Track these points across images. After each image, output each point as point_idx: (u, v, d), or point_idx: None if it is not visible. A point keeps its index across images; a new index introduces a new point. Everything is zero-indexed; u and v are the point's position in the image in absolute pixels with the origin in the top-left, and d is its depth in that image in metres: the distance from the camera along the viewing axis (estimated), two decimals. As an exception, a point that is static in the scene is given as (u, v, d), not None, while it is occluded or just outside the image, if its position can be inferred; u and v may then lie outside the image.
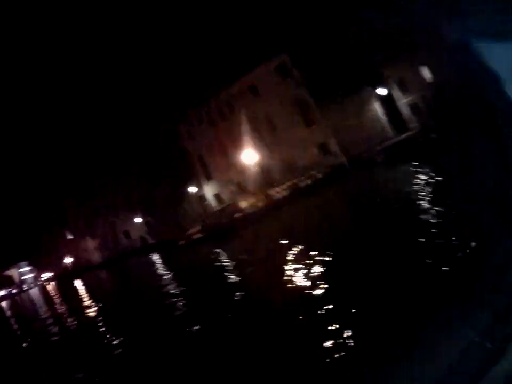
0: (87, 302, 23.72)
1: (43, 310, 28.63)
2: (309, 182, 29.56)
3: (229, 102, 38.76)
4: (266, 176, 36.72)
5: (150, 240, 48.69)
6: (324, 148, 33.32)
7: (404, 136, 27.43)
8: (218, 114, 40.20)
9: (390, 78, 30.49)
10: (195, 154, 43.36)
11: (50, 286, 68.94)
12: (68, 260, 75.87)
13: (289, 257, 11.97)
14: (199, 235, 31.47)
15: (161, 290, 16.46)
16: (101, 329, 13.88)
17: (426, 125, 25.11)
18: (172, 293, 14.62)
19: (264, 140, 35.59)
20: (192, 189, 43.32)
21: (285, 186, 30.97)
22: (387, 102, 30.87)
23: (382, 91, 30.19)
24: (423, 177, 14.69)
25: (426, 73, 28.93)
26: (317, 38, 31.70)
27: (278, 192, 29.36)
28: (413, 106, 29.85)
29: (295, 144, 33.63)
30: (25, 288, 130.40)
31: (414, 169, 17.13)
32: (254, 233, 23.47)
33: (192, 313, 10.56)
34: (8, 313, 43.57)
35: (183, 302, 12.21)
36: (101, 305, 20.08)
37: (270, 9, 33.08)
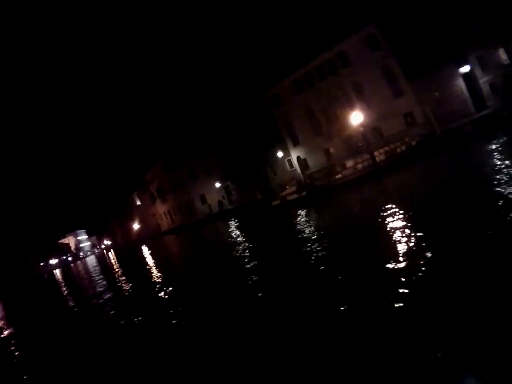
0: (143, 271, 21.93)
1: (93, 279, 27.88)
2: (404, 148, 28.39)
3: (318, 70, 38.63)
4: (353, 143, 36.67)
5: (227, 206, 48.39)
6: (411, 118, 33.65)
7: (486, 111, 27.43)
8: (307, 82, 39.84)
9: (472, 56, 31.54)
10: (282, 120, 42.83)
11: (111, 254, 67.93)
12: (135, 226, 76.52)
13: (387, 226, 10.82)
14: (295, 195, 30.53)
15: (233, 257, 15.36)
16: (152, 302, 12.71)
17: (505, 102, 25.62)
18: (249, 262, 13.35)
19: (352, 108, 34.23)
20: (279, 153, 42.44)
21: (382, 150, 29.53)
22: (469, 79, 31.62)
23: (465, 68, 31.17)
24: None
25: (503, 54, 30.42)
26: (407, 11, 32.86)
27: (374, 156, 27.57)
28: (491, 85, 31.10)
29: (383, 113, 33.96)
30: (81, 256, 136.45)
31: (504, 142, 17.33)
32: (353, 197, 22.55)
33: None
34: (59, 280, 44.39)
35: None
36: (158, 275, 19.01)
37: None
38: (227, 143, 49.56)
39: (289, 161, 43.85)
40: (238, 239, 20.72)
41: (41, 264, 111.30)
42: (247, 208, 40.47)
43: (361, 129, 28.78)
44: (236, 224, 31.02)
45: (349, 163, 32.26)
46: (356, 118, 28.52)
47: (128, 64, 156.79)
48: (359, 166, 29.46)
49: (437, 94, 31.72)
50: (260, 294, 9.02)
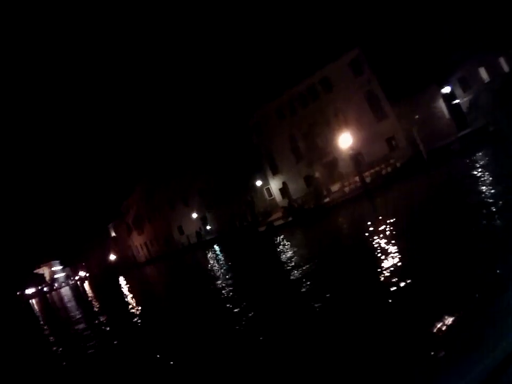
0: (120, 300, 21.86)
1: (70, 308, 28.32)
2: (389, 169, 28.81)
3: (300, 96, 38.57)
4: (333, 170, 36.67)
5: (205, 236, 47.17)
6: (393, 142, 33.88)
7: (469, 129, 28.25)
8: (289, 108, 39.69)
9: (453, 76, 32.34)
10: (263, 148, 42.38)
11: (86, 285, 66.81)
12: (111, 258, 74.60)
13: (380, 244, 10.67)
14: (281, 221, 30.09)
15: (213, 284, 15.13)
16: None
17: (487, 119, 26.36)
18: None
19: (333, 134, 34.50)
20: (258, 182, 41.78)
21: (367, 173, 29.66)
22: (450, 99, 32.35)
23: (446, 89, 32.07)
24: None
25: (483, 73, 31.21)
26: (390, 34, 33.28)
27: (364, 178, 27.84)
28: (472, 103, 31.52)
29: (366, 138, 33.79)
30: (56, 287, 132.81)
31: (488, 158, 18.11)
32: (343, 219, 22.58)
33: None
34: (37, 310, 44.06)
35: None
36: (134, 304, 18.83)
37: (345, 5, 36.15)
38: (205, 171, 48.63)
39: (268, 189, 43.05)
40: (219, 267, 20.71)
41: (18, 293, 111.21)
42: (227, 236, 39.83)
43: (351, 152, 29.25)
44: (216, 253, 30.83)
45: (334, 187, 32.26)
46: (345, 140, 28.44)
47: (110, 86, 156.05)
48: (346, 189, 29.62)
49: (417, 116, 32.00)
50: (240, 322, 8.92)
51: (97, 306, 23.59)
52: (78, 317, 20.66)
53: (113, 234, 75.36)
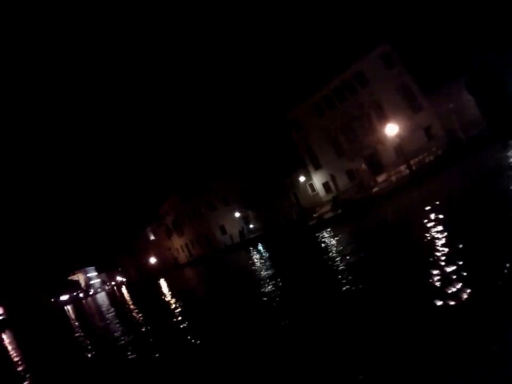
0: (161, 306, 21.14)
1: (106, 313, 27.82)
2: (432, 158, 28.79)
3: (336, 91, 38.88)
4: (375, 162, 37.01)
5: (248, 235, 47.61)
6: (431, 132, 34.07)
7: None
8: (327, 103, 39.93)
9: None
10: (303, 144, 42.78)
11: (123, 290, 67.08)
12: (151, 261, 75.76)
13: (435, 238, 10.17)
14: (330, 214, 30.17)
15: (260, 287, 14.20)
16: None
17: None
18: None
19: (373, 126, 35.87)
20: (301, 178, 42.07)
21: (412, 162, 29.51)
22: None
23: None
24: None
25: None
26: (417, 27, 33.21)
27: (411, 165, 28.06)
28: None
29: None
30: (91, 293, 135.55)
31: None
32: (391, 209, 22.26)
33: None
34: (72, 316, 43.78)
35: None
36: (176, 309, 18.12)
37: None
38: (245, 170, 49.33)
39: (311, 185, 43.27)
40: (263, 267, 20.11)
41: (52, 299, 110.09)
42: (271, 234, 39.86)
43: (397, 140, 29.18)
44: (261, 251, 30.26)
45: (381, 178, 32.64)
46: (391, 130, 29.04)
47: (141, 89, 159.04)
48: (393, 178, 29.68)
49: (451, 105, 31.87)
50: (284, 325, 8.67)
51: (135, 310, 23.06)
52: (114, 322, 20.45)
53: (152, 237, 76.70)
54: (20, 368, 15.40)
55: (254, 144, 47.80)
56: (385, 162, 35.65)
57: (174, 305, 19.10)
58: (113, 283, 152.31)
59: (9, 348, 26.41)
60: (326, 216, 30.54)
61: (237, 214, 50.30)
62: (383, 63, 35.25)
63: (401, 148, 32.04)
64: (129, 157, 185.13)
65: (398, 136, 31.00)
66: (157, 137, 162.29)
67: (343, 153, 39.63)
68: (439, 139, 31.78)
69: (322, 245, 19.58)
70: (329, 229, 24.33)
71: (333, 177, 39.96)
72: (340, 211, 29.27)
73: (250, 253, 32.41)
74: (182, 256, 65.89)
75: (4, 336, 41.90)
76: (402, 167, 30.41)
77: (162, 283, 40.49)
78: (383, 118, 35.34)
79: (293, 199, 43.70)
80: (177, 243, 65.64)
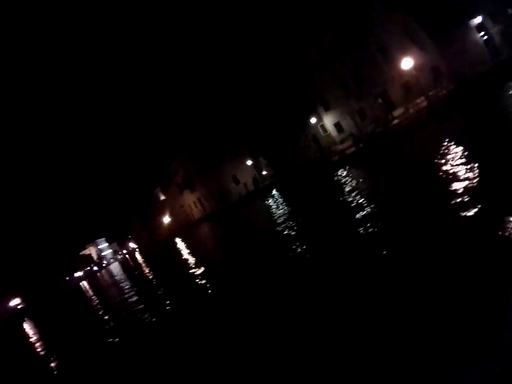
0: (180, 268, 20.59)
1: (123, 284, 27.47)
2: (444, 92, 29.08)
3: (343, 36, 39.19)
4: (385, 100, 37.48)
5: (263, 182, 48.54)
6: (437, 71, 33.94)
7: (503, 57, 28.64)
8: (334, 50, 40.25)
9: (482, 8, 32.11)
10: (312, 88, 43.34)
11: (138, 255, 68.60)
12: (165, 220, 76.86)
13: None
14: (352, 149, 30.93)
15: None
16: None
17: None
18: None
19: (381, 67, 36.68)
20: (312, 120, 42.71)
21: (424, 97, 30.28)
22: (481, 30, 32.62)
23: (477, 19, 32.30)
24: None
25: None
26: None
27: (430, 96, 28.93)
28: (502, 34, 31.65)
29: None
30: (105, 264, 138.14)
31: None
32: (414, 140, 22.61)
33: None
34: (89, 291, 43.95)
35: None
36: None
37: None
38: (252, 118, 49.51)
39: (322, 126, 43.83)
40: (279, 215, 19.58)
41: (67, 278, 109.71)
42: (286, 178, 40.64)
43: (414, 72, 30.77)
44: (276, 198, 30.03)
45: (397, 112, 33.10)
46: (407, 63, 30.67)
47: (142, 46, 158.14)
48: (411, 111, 30.29)
49: (459, 47, 32.17)
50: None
51: (151, 276, 23.00)
52: (133, 293, 19.80)
53: (162, 197, 77.84)
54: (44, 356, 15.40)
55: (262, 91, 47.88)
56: (394, 100, 36.45)
57: (191, 265, 18.68)
58: (124, 251, 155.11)
59: (33, 337, 25.75)
60: (348, 151, 31.26)
61: (249, 162, 51.20)
62: (387, 6, 35.26)
63: (408, 86, 33.19)
64: (132, 118, 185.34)
65: (411, 70, 31.83)
66: (158, 96, 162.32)
67: (353, 94, 40.26)
68: (447, 78, 32.16)
69: (342, 182, 19.70)
70: (350, 166, 25.17)
71: (361, 110, 40.44)
72: (361, 145, 29.84)
73: (266, 200, 32.56)
74: (196, 213, 67.07)
75: (25, 325, 42.00)
76: (419, 100, 31.14)
77: (179, 243, 40.77)
78: (390, 60, 36.10)
79: (305, 141, 44.50)
80: (190, 200, 66.58)
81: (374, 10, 35.86)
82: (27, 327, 37.69)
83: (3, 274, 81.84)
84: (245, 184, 50.66)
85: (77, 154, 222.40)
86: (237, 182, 53.98)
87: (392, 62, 35.96)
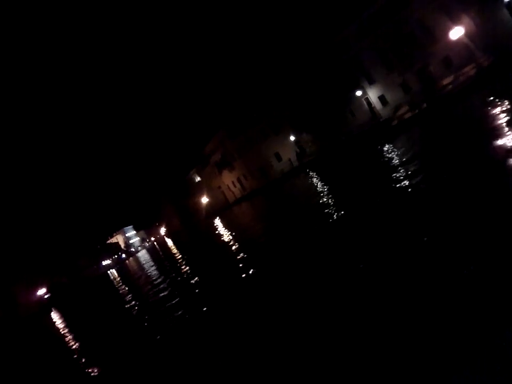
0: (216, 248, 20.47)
1: (154, 272, 26.73)
2: (486, 63, 30.78)
3: (381, 11, 41.23)
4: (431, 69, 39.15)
5: (307, 155, 50.19)
6: (475, 42, 34.94)
7: None
8: (373, 23, 42.06)
9: None
10: (353, 62, 45.30)
11: (169, 241, 68.08)
12: (203, 200, 78.72)
13: None
14: (409, 114, 32.97)
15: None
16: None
17: None
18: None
19: (418, 43, 38.78)
20: (358, 93, 44.40)
21: (470, 66, 32.33)
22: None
23: None
24: None
25: None
26: None
27: (480, 62, 31.08)
28: None
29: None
30: (133, 252, 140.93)
31: None
32: (468, 105, 23.36)
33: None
34: (117, 279, 44.01)
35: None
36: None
37: None
38: (294, 93, 50.90)
39: (367, 99, 45.46)
40: (323, 192, 18.99)
41: (94, 266, 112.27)
42: (331, 154, 42.06)
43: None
44: (320, 174, 29.59)
45: (446, 80, 34.75)
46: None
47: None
48: (461, 79, 31.84)
49: (488, 22, 33.81)
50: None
51: (184, 263, 22.02)
52: (161, 280, 19.53)
53: (198, 179, 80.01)
54: (69, 349, 15.38)
55: (303, 66, 49.43)
56: (435, 72, 38.21)
57: (227, 249, 18.09)
58: (152, 239, 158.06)
59: (60, 329, 26.00)
60: (406, 116, 33.23)
61: (292, 138, 53.11)
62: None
63: (455, 56, 34.79)
64: (164, 97, 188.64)
65: (450, 43, 34.28)
66: (194, 73, 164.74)
67: (395, 68, 42.16)
68: (482, 52, 33.56)
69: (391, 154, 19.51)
70: (411, 130, 26.64)
71: (388, 90, 42.37)
72: (416, 111, 31.89)
73: (310, 176, 32.77)
74: (235, 192, 69.36)
75: (52, 315, 42.88)
76: (467, 68, 32.85)
77: (218, 223, 40.39)
78: (429, 33, 38.14)
79: (349, 115, 46.22)
80: (228, 179, 68.96)
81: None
82: (54, 317, 38.32)
83: (30, 264, 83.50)
84: (289, 160, 52.34)
85: (104, 141, 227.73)
86: (279, 158, 55.89)
87: (430, 35, 37.97)
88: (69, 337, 18.87)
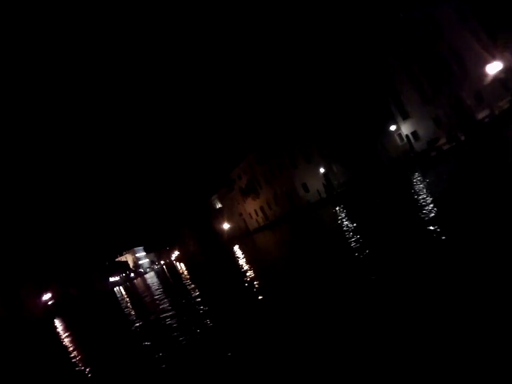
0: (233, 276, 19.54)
1: (162, 293, 26.43)
2: None
3: (415, 40, 42.63)
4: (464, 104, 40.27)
5: (336, 187, 50.77)
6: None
7: None
8: (409, 52, 43.50)
9: None
10: (388, 94, 46.71)
11: (180, 265, 68.13)
12: (225, 227, 79.50)
13: None
14: (447, 145, 34.15)
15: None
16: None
17: None
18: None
19: (455, 74, 39.97)
20: (392, 127, 45.37)
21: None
22: None
23: None
24: None
25: None
26: None
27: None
28: None
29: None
30: (142, 273, 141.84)
31: None
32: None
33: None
34: (124, 296, 44.36)
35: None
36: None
37: None
38: (326, 123, 51.96)
39: (399, 135, 46.39)
40: (354, 224, 17.98)
41: (104, 282, 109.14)
42: (363, 185, 42.48)
43: (502, 76, 34.40)
44: (349, 207, 28.95)
45: (481, 114, 36.32)
46: (493, 68, 33.54)
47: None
48: (496, 111, 33.75)
49: None
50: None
51: (195, 288, 21.20)
52: (168, 303, 19.30)
53: (218, 205, 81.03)
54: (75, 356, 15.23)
55: (338, 95, 50.57)
56: (467, 106, 39.40)
57: (244, 276, 17.27)
58: (162, 262, 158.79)
59: (63, 334, 26.79)
60: (444, 147, 34.36)
61: (321, 170, 53.99)
62: (458, 16, 39.51)
63: (489, 89, 36.29)
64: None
65: (485, 77, 35.50)
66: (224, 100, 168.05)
67: (430, 101, 43.25)
68: None
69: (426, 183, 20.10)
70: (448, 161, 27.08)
71: (415, 129, 44.46)
72: (454, 143, 33.08)
73: (337, 209, 30.94)
74: (257, 220, 70.46)
75: (56, 322, 43.31)
76: (502, 102, 34.59)
77: (236, 250, 39.75)
78: (463, 67, 39.62)
79: (380, 148, 47.09)
80: (251, 207, 70.07)
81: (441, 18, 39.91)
82: (58, 325, 38.78)
83: (41, 268, 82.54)
84: (317, 191, 52.92)
85: (130, 158, 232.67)
86: (306, 189, 56.42)
87: (465, 68, 39.34)
88: (70, 345, 19.17)
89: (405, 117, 45.50)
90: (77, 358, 14.38)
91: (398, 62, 44.41)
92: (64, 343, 21.50)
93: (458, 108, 40.23)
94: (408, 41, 42.86)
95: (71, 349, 17.74)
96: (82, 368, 12.16)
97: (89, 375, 10.88)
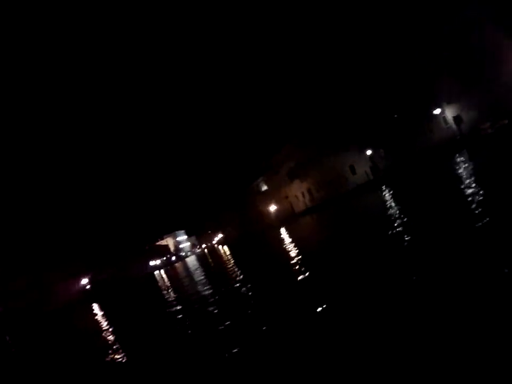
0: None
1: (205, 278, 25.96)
2: None
3: (459, 28, 45.46)
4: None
5: (382, 169, 54.00)
6: None
7: None
8: (456, 38, 46.09)
9: None
10: (435, 75, 49.13)
11: (224, 249, 68.45)
12: (271, 209, 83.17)
13: None
14: (491, 130, 37.02)
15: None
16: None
17: None
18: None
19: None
20: (436, 111, 48.05)
21: None
22: None
23: None
24: None
25: None
26: None
27: None
28: None
29: None
30: (183, 256, 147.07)
31: None
32: None
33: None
34: (165, 280, 45.33)
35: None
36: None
37: None
38: (375, 106, 54.49)
39: (444, 118, 49.07)
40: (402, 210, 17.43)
41: (141, 266, 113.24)
42: (409, 167, 45.46)
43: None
44: (397, 190, 29.04)
45: None
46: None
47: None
48: None
49: None
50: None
51: (239, 272, 20.79)
52: (210, 287, 19.00)
53: (264, 188, 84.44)
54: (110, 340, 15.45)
55: (383, 80, 53.20)
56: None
57: (288, 260, 17.17)
58: (203, 246, 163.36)
59: (98, 319, 27.06)
60: (489, 131, 37.21)
61: (368, 152, 57.11)
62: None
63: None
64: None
65: None
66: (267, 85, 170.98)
67: (472, 88, 45.80)
68: None
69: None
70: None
71: (465, 110, 46.76)
72: (506, 121, 35.73)
73: (384, 192, 31.14)
74: (303, 203, 73.30)
75: (94, 307, 43.70)
76: None
77: (282, 233, 39.75)
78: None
79: (427, 131, 49.96)
80: (298, 189, 73.20)
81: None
82: (94, 309, 39.39)
83: (74, 254, 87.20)
84: (366, 172, 56.21)
85: (173, 143, 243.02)
86: (354, 171, 59.68)
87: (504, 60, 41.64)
88: (103, 332, 18.73)
89: (449, 101, 48.24)
90: (104, 343, 14.96)
91: (438, 48, 47.30)
92: (92, 329, 21.88)
93: (500, 93, 42.79)
94: (451, 31, 45.68)
95: (99, 333, 18.52)
96: (104, 356, 12.32)
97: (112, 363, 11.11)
